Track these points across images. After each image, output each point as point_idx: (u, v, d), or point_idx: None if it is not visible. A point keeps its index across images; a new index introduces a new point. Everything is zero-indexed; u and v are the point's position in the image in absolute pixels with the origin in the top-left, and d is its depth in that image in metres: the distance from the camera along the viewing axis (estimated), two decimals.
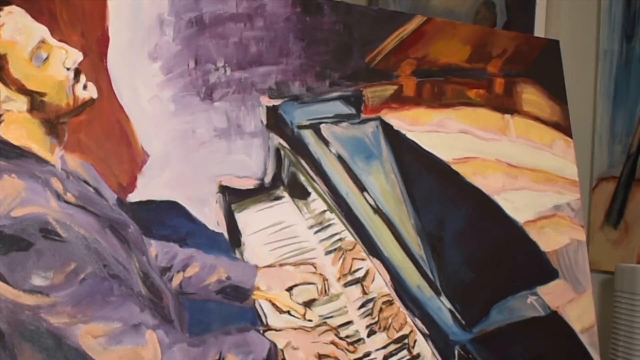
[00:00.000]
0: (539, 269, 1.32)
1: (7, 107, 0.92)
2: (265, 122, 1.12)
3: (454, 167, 1.28)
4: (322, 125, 1.18)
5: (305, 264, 1.11)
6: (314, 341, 1.06)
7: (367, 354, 1.11)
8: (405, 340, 1.14)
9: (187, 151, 1.05)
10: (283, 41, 1.14)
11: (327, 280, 1.12)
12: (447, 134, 1.29)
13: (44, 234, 0.88)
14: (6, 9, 0.93)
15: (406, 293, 1.17)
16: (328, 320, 1.10)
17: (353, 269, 1.15)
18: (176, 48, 1.06)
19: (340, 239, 1.15)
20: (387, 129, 1.23)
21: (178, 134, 1.04)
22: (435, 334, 1.17)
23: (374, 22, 1.24)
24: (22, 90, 0.92)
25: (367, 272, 1.15)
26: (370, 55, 1.23)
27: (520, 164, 1.33)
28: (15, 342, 0.85)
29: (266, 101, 1.12)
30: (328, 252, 1.14)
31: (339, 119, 1.20)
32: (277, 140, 1.13)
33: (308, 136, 1.16)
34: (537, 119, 1.39)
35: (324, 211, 1.15)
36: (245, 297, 1.05)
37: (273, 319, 1.06)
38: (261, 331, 1.04)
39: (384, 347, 1.13)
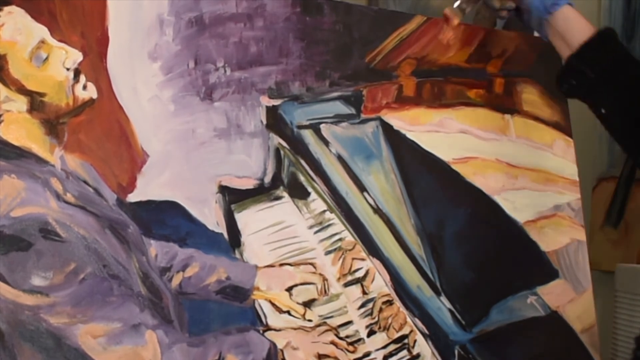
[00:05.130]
0: (539, 269, 1.32)
1: (7, 108, 0.92)
2: (265, 122, 1.12)
3: (454, 167, 1.28)
4: (322, 125, 1.18)
5: (305, 264, 1.11)
6: (314, 341, 1.07)
7: (367, 354, 1.11)
8: (405, 340, 1.14)
9: (187, 151, 1.05)
10: (283, 41, 1.14)
11: (327, 280, 1.12)
12: (447, 134, 1.29)
13: (44, 234, 0.88)
14: (6, 9, 0.93)
15: (406, 293, 1.17)
16: (328, 320, 1.10)
17: (353, 269, 1.15)
18: (176, 48, 1.06)
19: (340, 239, 1.15)
20: (387, 129, 1.23)
21: (178, 134, 1.04)
22: (435, 334, 1.17)
23: (374, 22, 1.24)
24: (22, 90, 0.93)
25: (367, 272, 1.15)
26: (370, 55, 1.23)
27: (520, 164, 1.32)
28: (15, 342, 0.85)
29: (266, 101, 1.12)
30: (328, 252, 1.14)
31: (338, 119, 1.20)
32: (277, 140, 1.13)
33: (308, 136, 1.16)
34: (537, 119, 1.39)
35: (324, 211, 1.15)
36: (245, 297, 1.05)
37: (273, 319, 1.06)
38: (261, 331, 1.04)
39: (384, 347, 1.13)
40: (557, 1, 1.18)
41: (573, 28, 1.17)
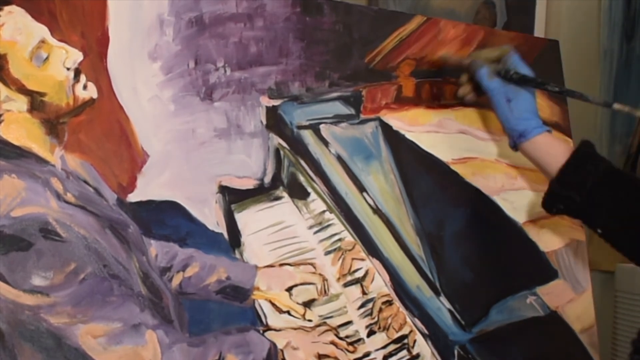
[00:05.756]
0: (539, 269, 1.32)
1: (7, 107, 0.92)
2: (265, 122, 1.12)
3: (453, 167, 1.28)
4: (321, 126, 1.18)
5: (304, 264, 1.11)
6: (314, 341, 1.07)
7: (367, 354, 1.11)
8: (405, 341, 1.15)
9: (187, 151, 1.05)
10: (283, 41, 1.14)
11: (326, 280, 1.12)
12: (447, 134, 1.29)
13: (44, 234, 0.88)
14: (6, 9, 0.93)
15: (406, 293, 1.17)
16: (328, 320, 1.10)
17: (352, 269, 1.15)
18: (176, 48, 1.06)
19: (339, 239, 1.15)
20: (387, 129, 1.23)
21: (178, 134, 1.04)
22: (435, 334, 1.17)
23: (373, 22, 1.24)
24: (22, 90, 0.93)
25: (366, 272, 1.15)
26: (369, 56, 1.23)
27: (519, 164, 1.33)
28: (15, 342, 0.85)
29: (266, 101, 1.13)
30: (328, 252, 1.14)
31: (338, 119, 1.20)
32: (276, 140, 1.13)
33: (307, 136, 1.16)
34: None
35: (324, 211, 1.15)
36: (245, 297, 1.05)
37: (273, 319, 1.06)
38: (261, 331, 1.04)
39: (384, 347, 1.13)
40: (525, 133, 1.14)
41: (548, 154, 1.12)
